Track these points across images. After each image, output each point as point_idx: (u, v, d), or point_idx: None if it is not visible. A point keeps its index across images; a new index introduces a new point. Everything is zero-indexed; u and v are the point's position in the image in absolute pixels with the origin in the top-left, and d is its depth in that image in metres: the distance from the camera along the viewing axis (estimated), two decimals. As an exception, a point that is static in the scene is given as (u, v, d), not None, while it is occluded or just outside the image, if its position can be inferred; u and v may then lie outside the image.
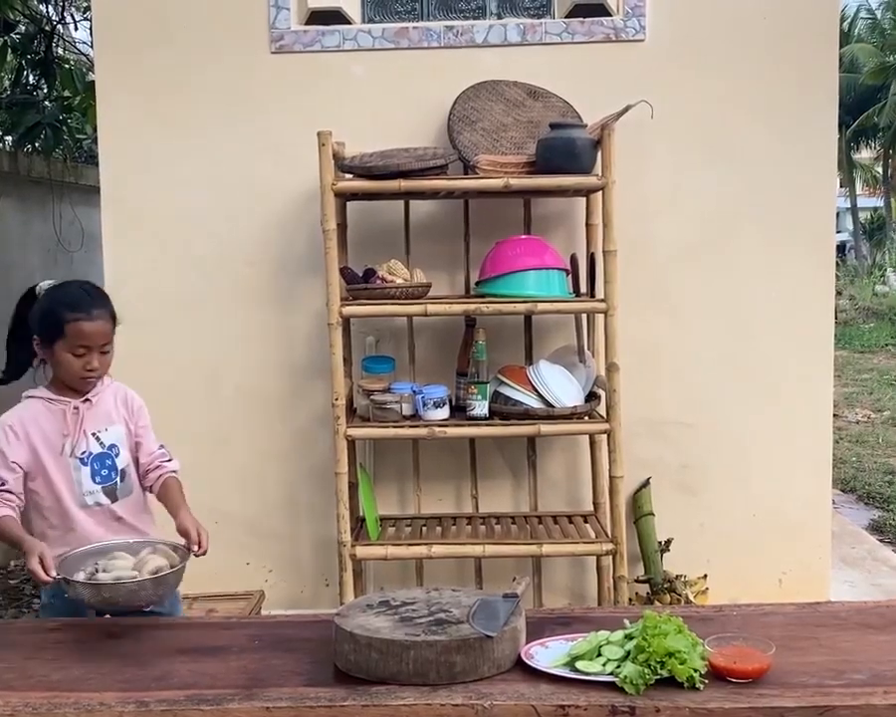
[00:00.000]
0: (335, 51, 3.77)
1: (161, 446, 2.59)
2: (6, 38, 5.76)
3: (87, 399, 2.46)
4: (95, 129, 4.83)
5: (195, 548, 2.30)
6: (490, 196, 3.60)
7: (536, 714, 1.76)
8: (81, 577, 2.19)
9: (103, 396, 2.50)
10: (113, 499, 2.48)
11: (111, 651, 2.09)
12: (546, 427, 3.42)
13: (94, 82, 4.42)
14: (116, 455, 2.48)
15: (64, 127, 5.85)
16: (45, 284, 2.49)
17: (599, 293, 3.48)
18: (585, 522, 3.70)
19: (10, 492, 2.36)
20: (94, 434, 2.46)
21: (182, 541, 2.33)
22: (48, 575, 2.14)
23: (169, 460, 2.58)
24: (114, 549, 2.31)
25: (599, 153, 3.41)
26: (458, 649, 1.85)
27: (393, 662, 1.85)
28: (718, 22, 3.73)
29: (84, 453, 2.44)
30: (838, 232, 17.12)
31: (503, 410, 3.46)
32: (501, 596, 2.04)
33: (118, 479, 2.49)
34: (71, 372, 2.41)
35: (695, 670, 1.80)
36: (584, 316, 3.70)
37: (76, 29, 6.79)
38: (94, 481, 2.45)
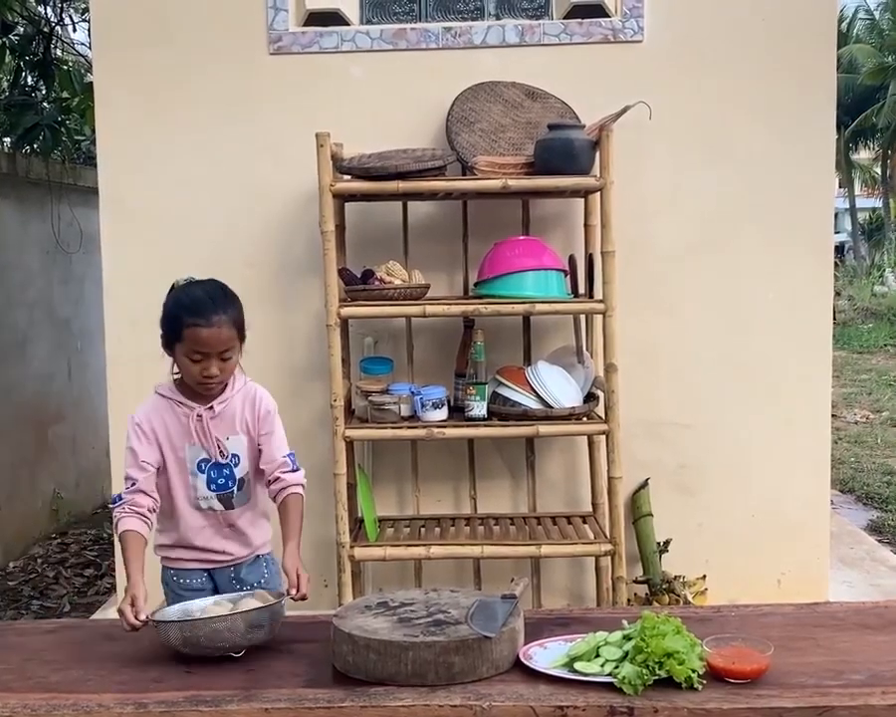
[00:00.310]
0: (333, 52, 3.77)
1: (289, 454, 2.46)
2: (4, 39, 5.75)
3: (211, 407, 2.39)
4: (93, 131, 4.83)
5: (293, 591, 2.20)
6: (488, 197, 3.60)
7: (534, 715, 1.76)
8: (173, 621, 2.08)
9: (229, 403, 2.42)
10: (229, 507, 2.44)
11: (109, 653, 2.09)
12: (544, 428, 3.42)
13: (92, 83, 4.42)
14: (236, 465, 2.42)
15: (62, 129, 5.84)
16: (182, 280, 2.41)
17: (598, 294, 3.48)
18: (584, 523, 3.70)
19: (141, 491, 2.34)
20: (216, 441, 2.40)
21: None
22: (136, 618, 2.07)
23: (293, 471, 2.44)
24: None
25: (598, 154, 3.42)
26: (456, 650, 1.85)
27: (392, 663, 1.85)
28: (716, 23, 3.73)
29: (203, 461, 2.40)
30: (837, 233, 17.16)
31: (501, 411, 3.46)
32: (499, 597, 2.04)
33: (235, 488, 2.44)
34: (189, 376, 2.36)
35: (693, 671, 1.80)
36: (583, 316, 3.70)
37: (74, 30, 6.77)
38: (209, 488, 2.41)
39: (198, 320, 2.28)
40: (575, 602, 3.82)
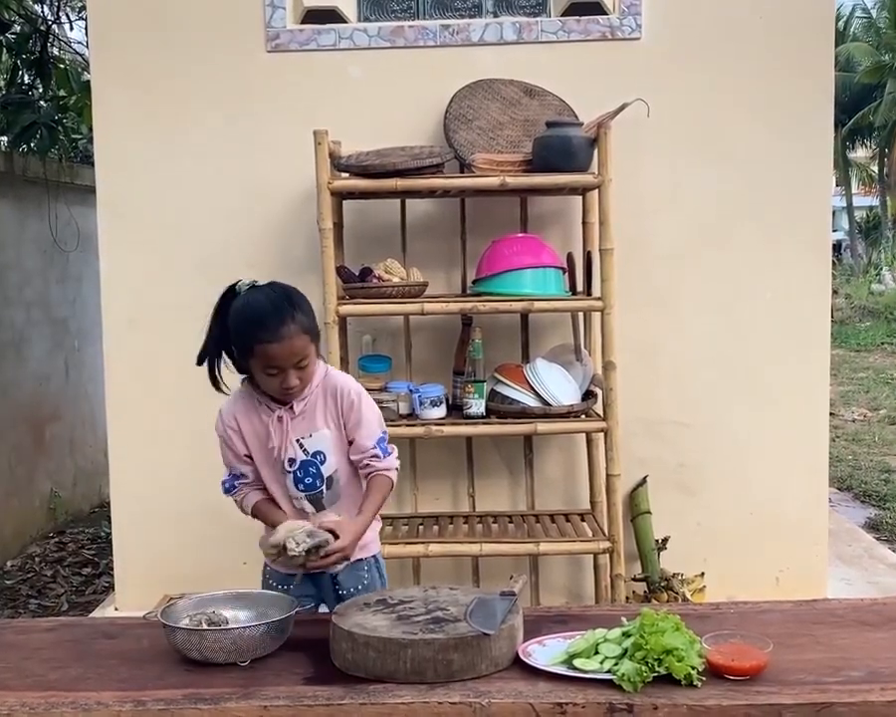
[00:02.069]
0: (330, 50, 3.77)
1: (379, 440, 2.36)
2: (1, 38, 5.74)
3: (291, 407, 2.31)
4: (90, 129, 4.82)
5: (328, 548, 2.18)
6: (486, 195, 3.60)
7: (533, 712, 1.76)
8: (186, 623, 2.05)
9: (309, 400, 2.32)
10: (319, 507, 2.36)
11: (108, 651, 2.08)
12: (542, 426, 3.42)
13: (89, 82, 4.41)
14: (322, 462, 2.34)
15: (59, 127, 5.83)
16: (244, 284, 2.27)
17: (596, 291, 3.48)
18: (582, 520, 3.70)
19: (253, 482, 2.37)
20: (298, 441, 2.32)
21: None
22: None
23: (382, 457, 2.36)
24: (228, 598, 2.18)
25: (596, 152, 3.42)
26: (456, 648, 1.85)
27: (391, 661, 1.85)
28: (714, 20, 3.73)
29: (288, 461, 2.33)
30: (834, 231, 17.15)
31: (500, 409, 3.46)
32: (498, 594, 2.04)
33: (324, 487, 2.35)
34: (269, 389, 2.28)
35: (692, 668, 1.80)
36: (581, 314, 3.70)
37: (71, 29, 6.78)
38: (297, 488, 2.35)
39: (267, 336, 2.17)
40: (574, 600, 3.82)
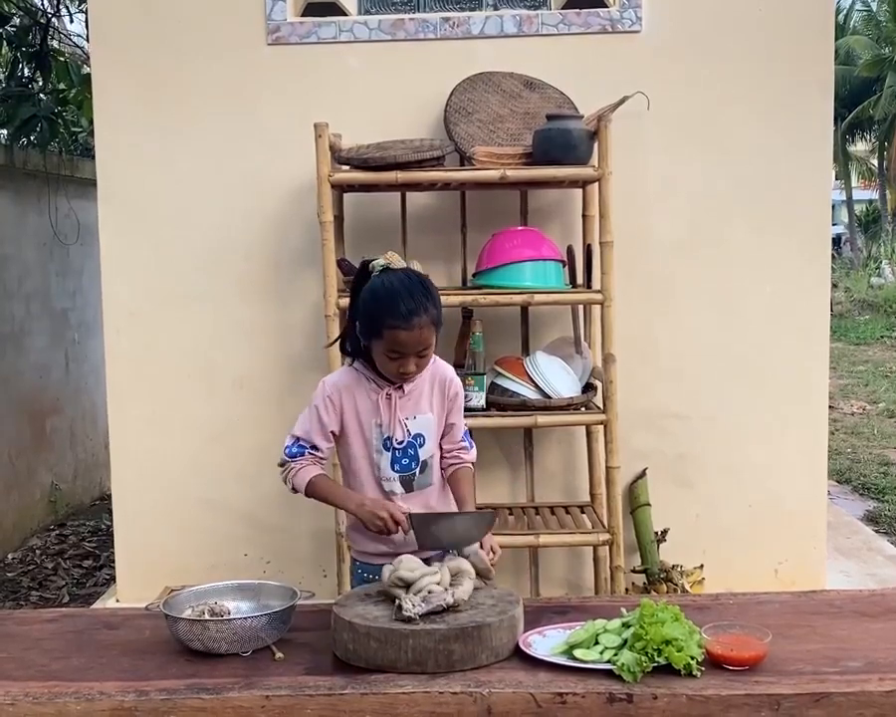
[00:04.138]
0: (331, 42, 3.77)
1: (466, 432, 2.46)
2: (1, 30, 5.73)
3: (400, 386, 2.33)
4: (90, 122, 4.82)
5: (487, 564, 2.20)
6: (486, 188, 3.60)
7: (534, 702, 1.77)
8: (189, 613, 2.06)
9: (418, 384, 2.35)
10: (409, 489, 2.37)
11: (110, 641, 2.10)
12: (542, 418, 3.43)
13: (89, 75, 4.41)
14: (421, 445, 2.36)
15: (59, 120, 5.83)
16: (378, 263, 2.29)
17: (596, 284, 3.49)
18: (582, 512, 3.71)
19: (325, 459, 2.35)
20: (402, 421, 2.33)
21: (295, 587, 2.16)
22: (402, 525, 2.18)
23: (469, 449, 2.46)
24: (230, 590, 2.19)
25: (596, 144, 3.42)
26: (456, 638, 1.86)
27: (392, 651, 1.86)
28: (714, 13, 3.73)
29: (388, 439, 2.33)
30: (834, 225, 17.14)
31: (500, 402, 3.47)
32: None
33: (418, 470, 2.37)
34: (385, 370, 2.29)
35: (692, 658, 1.81)
36: (581, 307, 3.70)
37: (71, 21, 6.76)
38: (392, 469, 2.35)
39: (399, 322, 2.19)
40: (573, 592, 3.83)
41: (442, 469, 2.44)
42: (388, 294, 2.23)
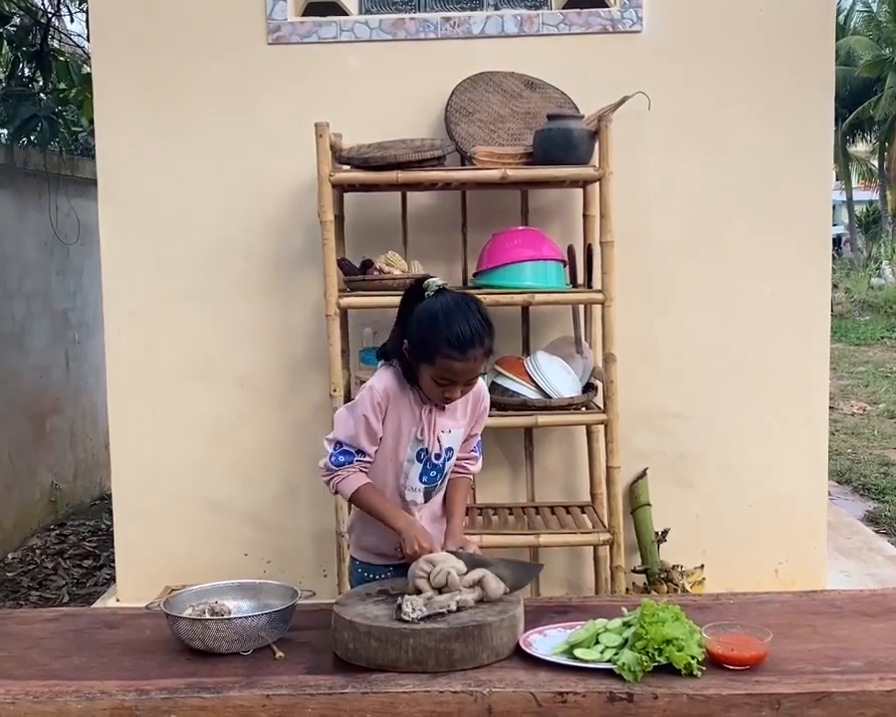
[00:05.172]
0: (332, 42, 3.77)
1: (478, 443, 2.45)
2: (2, 30, 5.74)
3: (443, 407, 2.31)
4: (91, 122, 4.82)
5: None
6: (487, 187, 3.60)
7: (534, 701, 1.77)
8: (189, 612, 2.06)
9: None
10: (427, 499, 2.36)
11: (110, 640, 2.10)
12: (543, 418, 3.43)
13: (89, 74, 4.41)
14: (448, 459, 2.35)
15: (60, 120, 5.83)
16: (434, 283, 2.24)
17: (597, 284, 3.49)
18: (583, 512, 3.71)
19: (371, 463, 2.30)
20: (439, 437, 2.31)
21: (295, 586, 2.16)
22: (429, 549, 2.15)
23: (476, 461, 2.45)
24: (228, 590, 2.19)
25: (596, 144, 3.42)
26: (457, 637, 1.86)
27: (392, 650, 1.86)
28: (715, 13, 3.73)
29: (422, 451, 2.31)
30: (834, 225, 17.16)
31: (500, 401, 3.46)
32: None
33: (439, 482, 2.37)
34: (430, 393, 2.26)
35: (693, 657, 1.81)
36: (582, 307, 3.70)
37: (71, 21, 6.76)
38: (420, 480, 2.33)
39: (456, 354, 2.15)
40: (574, 592, 3.82)
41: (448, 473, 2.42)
42: (449, 321, 2.17)
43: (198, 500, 3.90)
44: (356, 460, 2.28)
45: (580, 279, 3.66)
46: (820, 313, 3.84)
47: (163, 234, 3.85)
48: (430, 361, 2.18)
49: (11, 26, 5.89)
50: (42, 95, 5.90)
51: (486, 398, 2.42)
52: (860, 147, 29.44)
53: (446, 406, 2.30)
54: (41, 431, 5.84)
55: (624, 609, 1.98)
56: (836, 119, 5.80)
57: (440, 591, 2.01)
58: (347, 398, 3.57)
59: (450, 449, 2.35)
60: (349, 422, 2.28)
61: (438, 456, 2.32)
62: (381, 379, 2.30)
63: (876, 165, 28.93)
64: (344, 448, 2.28)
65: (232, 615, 2.05)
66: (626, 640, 1.87)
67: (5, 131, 6.31)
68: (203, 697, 1.80)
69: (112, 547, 4.10)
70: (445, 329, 2.16)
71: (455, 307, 2.19)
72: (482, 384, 2.41)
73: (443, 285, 2.25)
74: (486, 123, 3.63)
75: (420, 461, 2.31)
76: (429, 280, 2.25)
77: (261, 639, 1.98)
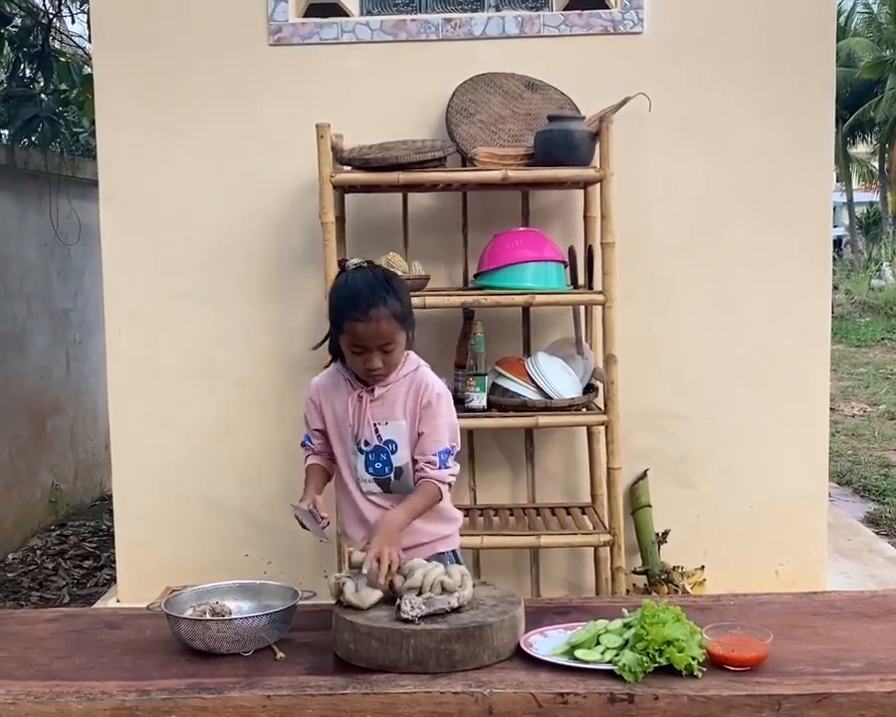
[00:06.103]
0: (333, 43, 3.77)
1: (442, 451, 2.32)
2: (3, 31, 5.74)
3: (371, 389, 2.33)
4: (92, 123, 4.82)
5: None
6: (488, 188, 3.60)
7: (535, 702, 1.77)
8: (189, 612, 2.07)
9: (392, 389, 2.33)
10: (387, 490, 2.37)
11: (111, 641, 2.10)
12: (544, 419, 3.43)
13: (90, 75, 4.41)
14: (393, 452, 2.34)
15: (61, 121, 5.84)
16: (353, 262, 2.32)
17: (597, 285, 3.49)
18: (583, 513, 3.71)
19: (320, 452, 2.44)
20: (374, 426, 2.33)
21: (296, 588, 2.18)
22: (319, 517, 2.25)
23: (440, 468, 2.31)
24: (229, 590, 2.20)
25: (597, 146, 3.42)
26: (458, 638, 1.86)
27: (393, 651, 1.86)
28: (715, 15, 3.73)
29: (361, 442, 2.35)
30: (834, 227, 17.14)
31: (501, 402, 3.47)
32: None
33: (392, 476, 2.36)
34: (354, 367, 2.31)
35: (693, 658, 1.81)
36: (582, 308, 3.70)
37: (72, 22, 6.78)
38: (367, 470, 2.36)
39: (356, 313, 2.21)
40: (574, 593, 3.82)
41: (414, 481, 2.36)
42: (349, 288, 2.27)
43: (199, 500, 3.91)
44: (309, 444, 2.46)
45: (581, 280, 3.66)
46: (821, 314, 3.84)
47: (164, 234, 3.85)
48: (341, 329, 2.28)
49: (12, 27, 5.89)
50: (43, 95, 5.90)
51: (430, 391, 2.33)
52: (861, 149, 29.44)
53: (381, 397, 2.33)
54: (41, 431, 5.84)
55: (625, 610, 1.98)
56: (837, 121, 5.80)
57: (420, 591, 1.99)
58: (348, 399, 3.57)
59: (392, 442, 2.34)
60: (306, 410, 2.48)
61: (379, 447, 2.34)
62: (317, 376, 2.47)
63: (877, 167, 28.93)
64: (306, 432, 2.48)
65: (233, 616, 2.05)
66: (627, 641, 1.87)
67: (6, 132, 6.31)
68: (204, 698, 1.81)
69: (113, 547, 4.10)
70: (346, 294, 2.26)
71: (360, 277, 2.28)
72: (428, 377, 2.36)
73: (361, 263, 2.32)
74: (487, 125, 3.64)
75: (361, 452, 2.36)
76: (349, 261, 2.34)
77: (261, 640, 1.98)
